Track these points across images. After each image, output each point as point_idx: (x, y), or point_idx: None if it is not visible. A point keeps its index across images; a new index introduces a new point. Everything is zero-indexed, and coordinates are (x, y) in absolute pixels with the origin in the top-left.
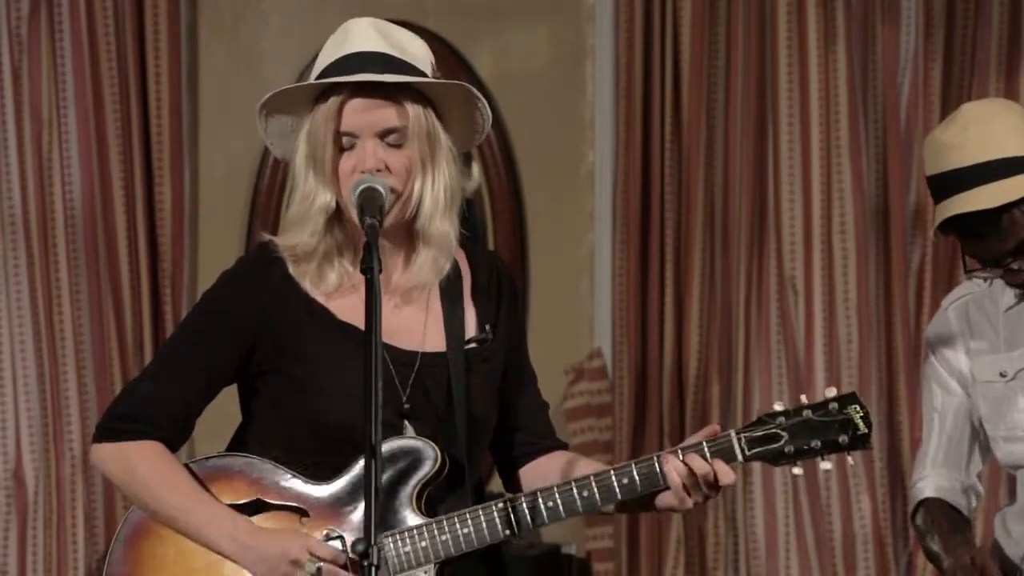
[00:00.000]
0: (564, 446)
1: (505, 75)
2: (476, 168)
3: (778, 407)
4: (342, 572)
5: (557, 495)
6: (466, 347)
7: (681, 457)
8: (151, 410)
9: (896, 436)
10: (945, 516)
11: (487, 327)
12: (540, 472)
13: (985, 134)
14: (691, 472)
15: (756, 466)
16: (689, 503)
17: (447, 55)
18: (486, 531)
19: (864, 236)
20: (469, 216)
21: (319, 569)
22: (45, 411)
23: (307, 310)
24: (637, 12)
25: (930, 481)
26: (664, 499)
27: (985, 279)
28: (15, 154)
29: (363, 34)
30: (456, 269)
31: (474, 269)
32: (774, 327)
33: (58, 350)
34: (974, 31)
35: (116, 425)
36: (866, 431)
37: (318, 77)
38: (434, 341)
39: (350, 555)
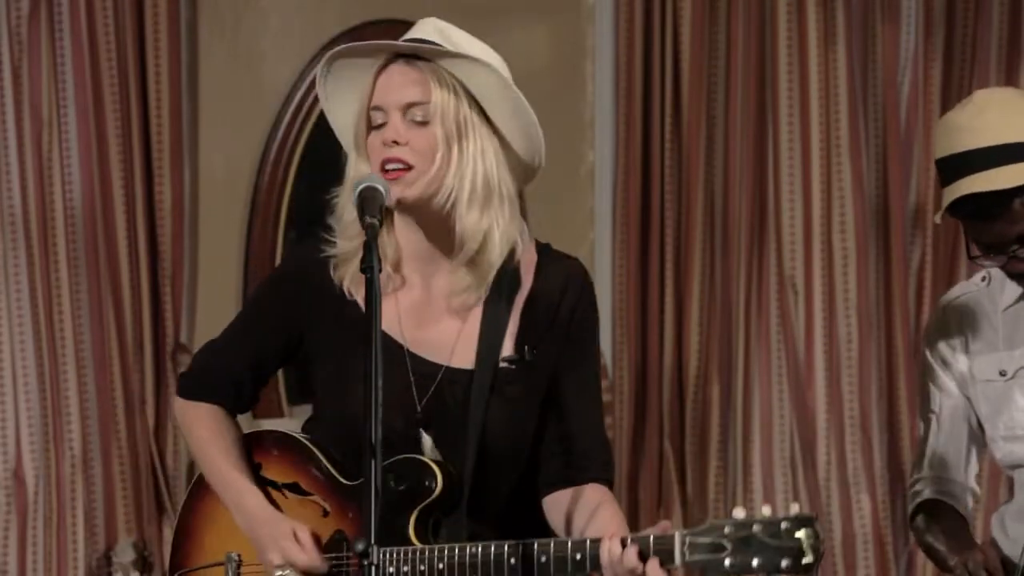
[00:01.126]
0: (598, 479)
1: None
2: None
3: (736, 514)
4: None
5: (492, 551)
6: (499, 366)
7: (618, 542)
8: (217, 369)
9: (896, 435)
10: (945, 517)
11: (526, 348)
12: (558, 507)
13: (1001, 117)
14: (620, 560)
15: (756, 465)
16: None
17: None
18: (456, 570)
19: (864, 236)
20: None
21: None
22: (45, 410)
23: (341, 312)
24: (637, 12)
25: (928, 483)
26: None
27: (987, 267)
28: (15, 154)
29: (421, 28)
30: (516, 277)
31: (539, 278)
32: (774, 327)
33: (58, 349)
34: (974, 30)
35: (188, 384)
36: (811, 560)
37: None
38: (463, 356)
39: (350, 554)
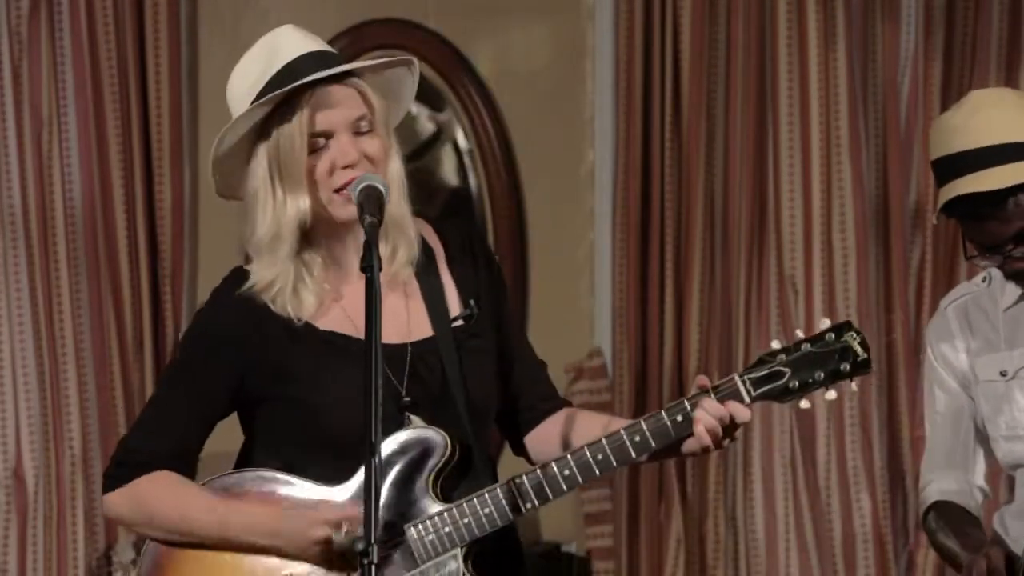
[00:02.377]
0: (566, 404)
1: (505, 74)
2: (477, 167)
3: (776, 345)
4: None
5: (572, 462)
6: (453, 325)
7: (697, 404)
8: (150, 449)
9: (896, 434)
10: (956, 517)
11: (470, 302)
12: (544, 437)
13: (994, 118)
14: (710, 416)
15: (756, 465)
16: (711, 447)
17: (448, 54)
18: (507, 507)
19: (864, 235)
20: (471, 215)
21: (347, 532)
22: (45, 410)
23: (289, 331)
24: (637, 11)
25: (937, 485)
26: (689, 445)
27: (984, 267)
28: (15, 153)
29: (294, 40)
30: (427, 246)
31: (445, 240)
32: (774, 325)
33: (58, 349)
34: (974, 29)
35: (118, 471)
36: (865, 356)
37: (264, 91)
38: (420, 327)
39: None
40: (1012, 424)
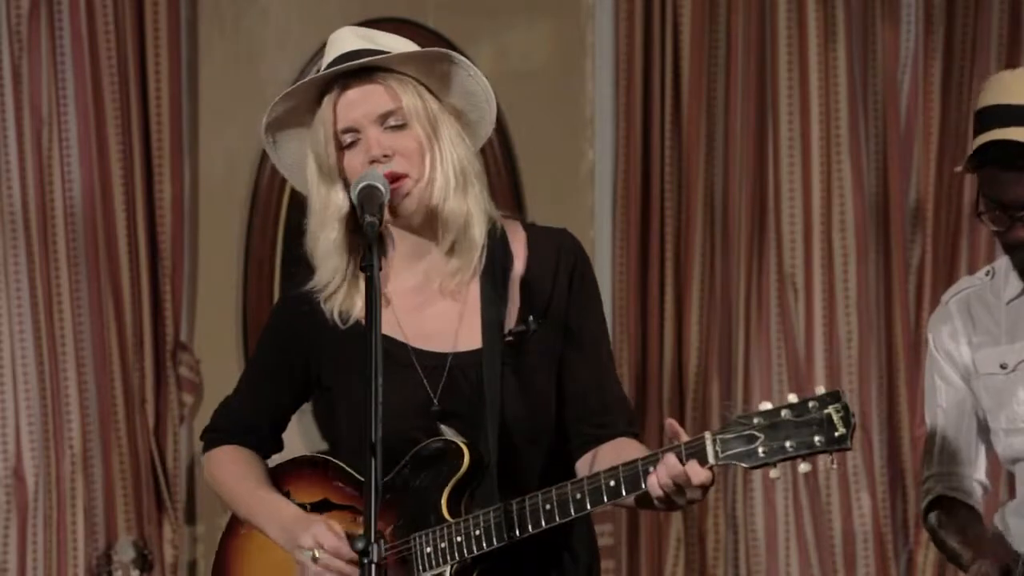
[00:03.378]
0: (626, 433)
1: (505, 73)
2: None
3: (763, 407)
4: (336, 561)
5: (554, 498)
6: (506, 339)
7: (659, 459)
8: (231, 421)
9: (896, 433)
10: (957, 513)
11: (530, 318)
12: (585, 465)
13: None
14: (664, 473)
15: None
16: (670, 502)
17: None
18: (494, 532)
19: (864, 233)
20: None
21: (314, 556)
22: (45, 408)
23: (343, 340)
24: (637, 9)
25: (939, 479)
26: (648, 499)
27: (987, 226)
28: (15, 152)
29: (345, 38)
30: (507, 253)
31: (531, 251)
32: (774, 325)
33: (58, 348)
34: (974, 28)
35: (208, 435)
36: (843, 431)
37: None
38: (469, 338)
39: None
40: (1012, 417)
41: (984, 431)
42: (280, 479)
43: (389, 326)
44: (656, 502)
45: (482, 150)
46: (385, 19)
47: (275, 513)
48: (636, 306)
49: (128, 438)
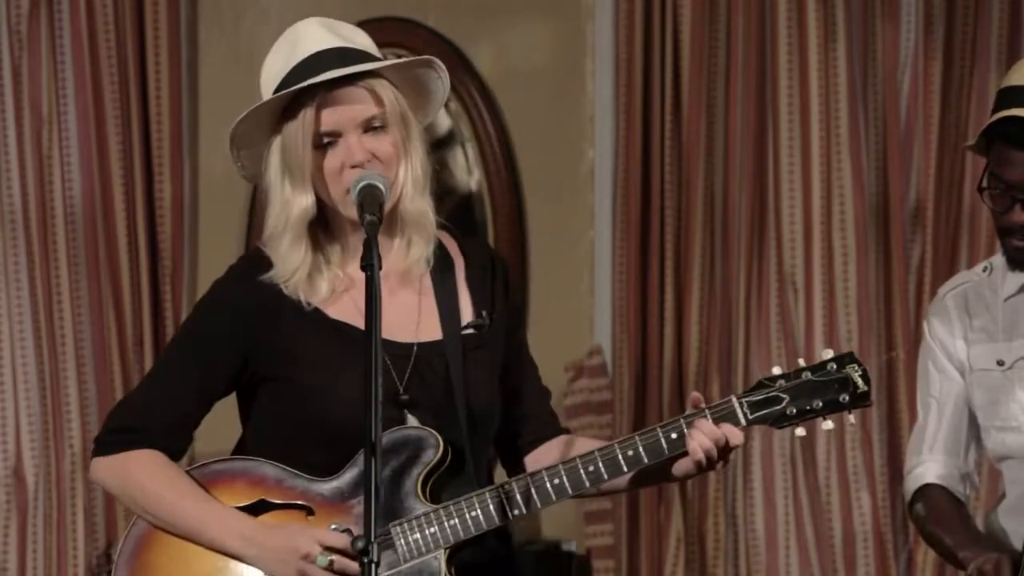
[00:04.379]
0: (566, 432)
1: (505, 73)
2: (477, 165)
3: (776, 371)
4: (353, 563)
5: (563, 472)
6: (463, 333)
7: (692, 423)
8: (145, 420)
9: (896, 433)
10: (946, 504)
11: (483, 313)
12: (543, 459)
13: None
14: (704, 436)
15: (756, 464)
16: (703, 466)
17: (447, 53)
18: (494, 513)
19: (864, 233)
20: (472, 213)
21: (331, 562)
22: (45, 408)
23: (300, 314)
24: (637, 9)
25: (929, 467)
26: (682, 466)
27: (987, 204)
28: (15, 152)
29: (315, 34)
30: (447, 256)
31: (467, 256)
32: (774, 324)
33: (58, 347)
34: (974, 28)
35: (111, 438)
36: (866, 389)
37: (280, 86)
38: (429, 330)
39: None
40: (1006, 415)
41: (975, 425)
42: (203, 485)
43: (350, 313)
44: (690, 467)
45: (481, 149)
46: (385, 19)
47: (232, 523)
48: (636, 306)
49: None
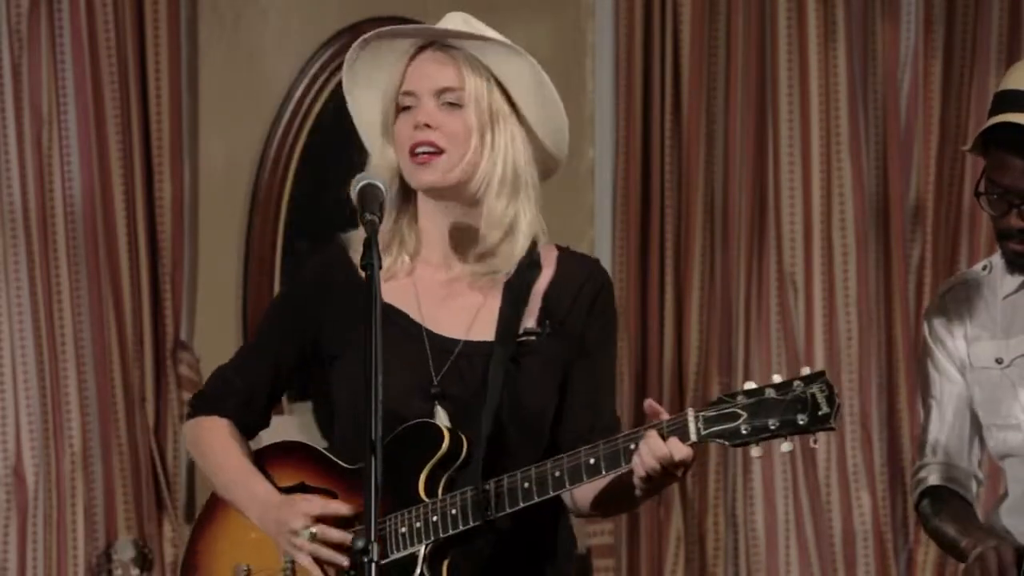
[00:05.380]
0: None
1: None
2: None
3: (746, 386)
4: (333, 531)
5: (533, 475)
6: (518, 339)
7: (653, 434)
8: (222, 392)
9: (896, 433)
10: (951, 502)
11: (547, 322)
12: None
13: None
14: (648, 451)
15: (756, 463)
16: (646, 482)
17: None
18: (471, 511)
19: (864, 232)
20: None
21: (313, 534)
22: (45, 407)
23: (357, 294)
24: (637, 8)
25: (933, 469)
26: (635, 480)
27: (984, 209)
28: (15, 151)
29: (452, 19)
30: (536, 266)
31: (560, 269)
32: (774, 323)
33: (58, 346)
34: (974, 27)
35: (194, 402)
36: (827, 411)
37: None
38: (482, 330)
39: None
40: (1006, 413)
41: (977, 424)
42: (259, 463)
43: (407, 303)
44: (637, 482)
45: None
46: (385, 18)
47: (252, 491)
48: (636, 306)
49: (128, 437)
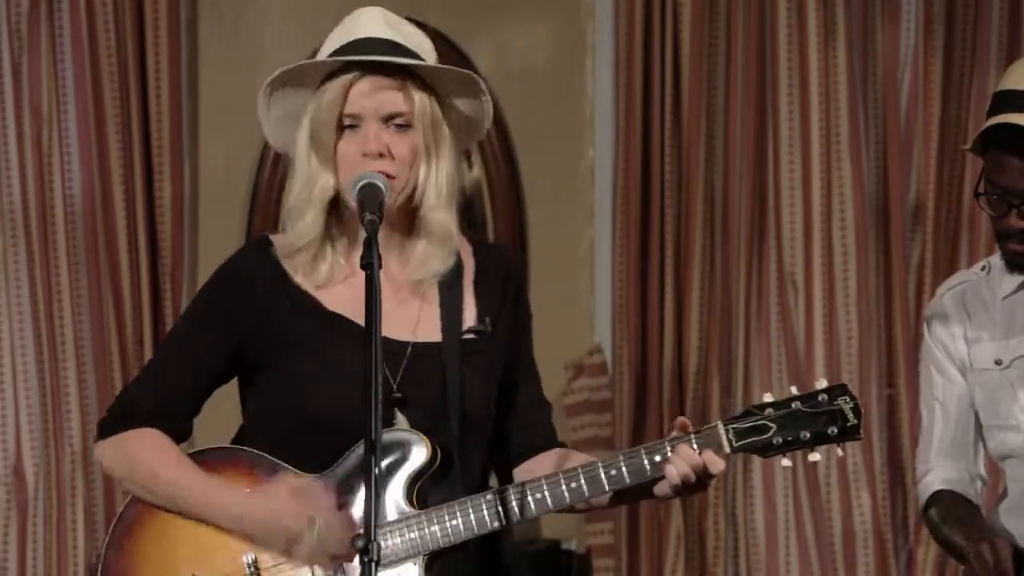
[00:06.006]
0: (562, 446)
1: (505, 71)
2: (477, 164)
3: (767, 398)
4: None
5: (545, 487)
6: (463, 337)
7: (675, 447)
8: (146, 404)
9: (896, 432)
10: (958, 508)
11: (486, 319)
12: (534, 469)
13: None
14: (684, 462)
15: (756, 463)
16: (680, 492)
17: (447, 51)
18: (474, 523)
19: (864, 231)
20: (471, 212)
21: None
22: (45, 406)
23: (296, 300)
24: (637, 8)
25: (938, 473)
26: (662, 488)
27: (984, 209)
28: (15, 150)
29: (373, 21)
30: (458, 260)
31: (479, 261)
32: (774, 323)
33: (58, 346)
34: (974, 27)
35: (113, 421)
36: (855, 422)
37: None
38: (428, 331)
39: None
40: (1005, 414)
41: (980, 425)
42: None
43: (346, 305)
44: (668, 491)
45: (482, 148)
46: None
47: (225, 495)
48: (636, 303)
49: None
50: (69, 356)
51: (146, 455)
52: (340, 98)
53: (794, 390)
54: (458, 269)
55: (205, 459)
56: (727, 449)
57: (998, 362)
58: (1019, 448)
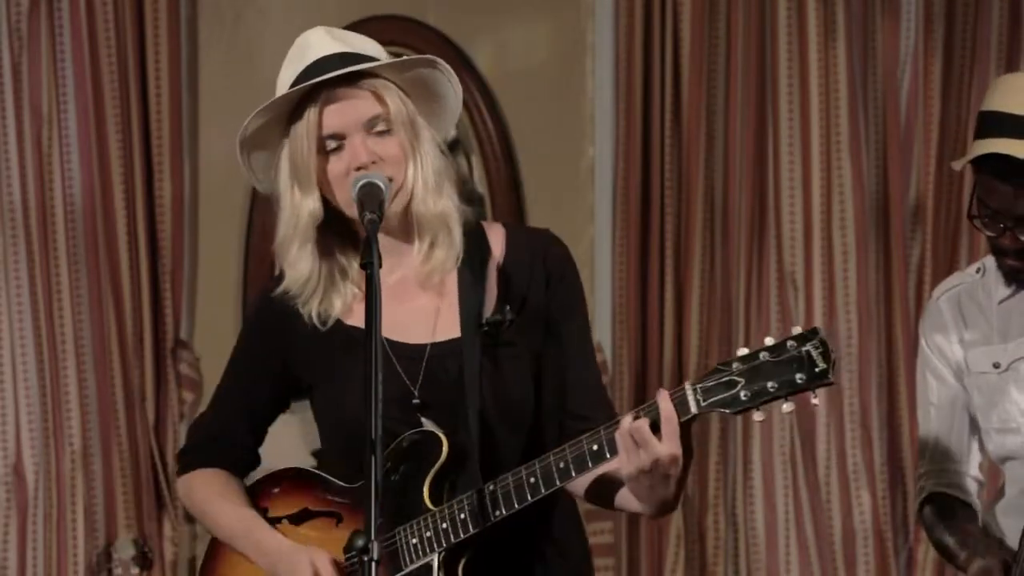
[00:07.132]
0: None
1: (505, 70)
2: (477, 164)
3: (740, 352)
4: None
5: (538, 470)
6: (484, 329)
7: (630, 416)
8: (203, 442)
9: (896, 431)
10: (953, 511)
11: (507, 307)
12: None
13: None
14: (629, 433)
15: (756, 462)
16: (631, 470)
17: (447, 51)
18: (479, 513)
19: (864, 231)
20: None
21: None
22: (45, 406)
23: (321, 336)
24: (637, 7)
25: (933, 476)
26: (622, 496)
27: (980, 230)
28: (15, 150)
29: (320, 41)
30: (485, 246)
31: (510, 245)
32: (774, 322)
33: (58, 345)
34: (974, 26)
35: (181, 459)
36: (824, 367)
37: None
38: (447, 327)
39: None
40: (1004, 417)
41: (976, 428)
42: (256, 496)
43: (363, 321)
44: (625, 478)
45: (482, 149)
46: (385, 16)
47: (259, 545)
48: (636, 305)
49: (128, 435)
50: (69, 356)
51: (202, 498)
52: (315, 122)
53: (769, 340)
54: (482, 255)
55: (268, 482)
56: (694, 409)
57: (996, 365)
58: (1019, 450)
